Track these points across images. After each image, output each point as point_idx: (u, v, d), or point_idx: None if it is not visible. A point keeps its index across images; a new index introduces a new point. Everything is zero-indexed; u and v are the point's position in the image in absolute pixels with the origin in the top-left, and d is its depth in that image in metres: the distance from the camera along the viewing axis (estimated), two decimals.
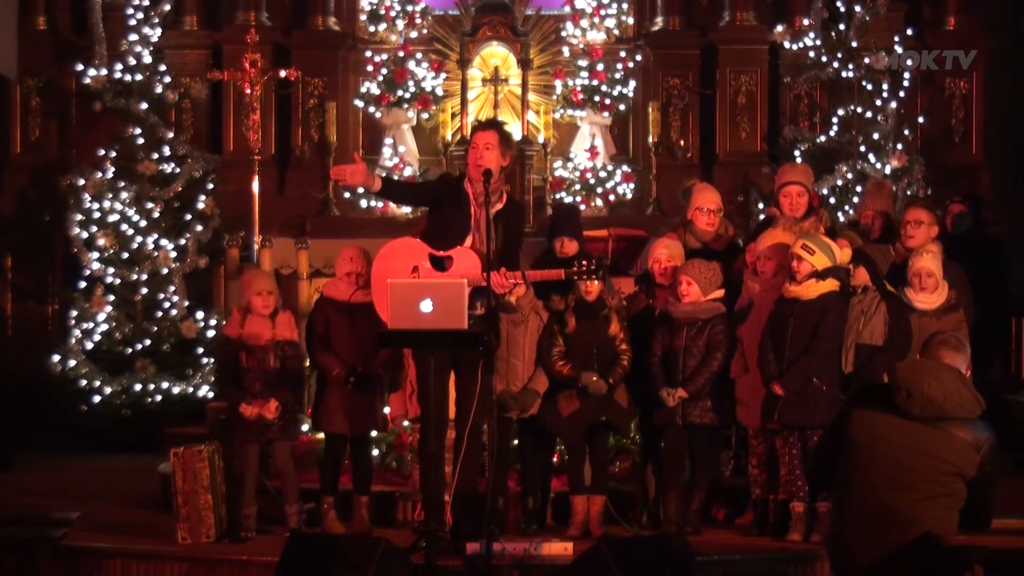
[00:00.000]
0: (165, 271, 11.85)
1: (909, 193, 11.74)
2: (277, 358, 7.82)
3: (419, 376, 7.33)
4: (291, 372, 7.86)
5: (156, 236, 11.89)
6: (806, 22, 12.48)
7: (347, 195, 12.61)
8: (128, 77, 12.05)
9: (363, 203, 12.55)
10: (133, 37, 12.11)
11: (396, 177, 7.45)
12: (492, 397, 7.24)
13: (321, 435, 8.22)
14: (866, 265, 7.74)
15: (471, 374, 7.18)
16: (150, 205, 11.91)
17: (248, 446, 7.75)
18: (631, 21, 13.21)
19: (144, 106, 12.01)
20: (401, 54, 12.70)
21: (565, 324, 7.80)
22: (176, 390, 11.60)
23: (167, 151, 12.02)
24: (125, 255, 11.86)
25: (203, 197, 12.06)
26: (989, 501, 5.48)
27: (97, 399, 11.54)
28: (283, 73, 11.61)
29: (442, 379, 7.33)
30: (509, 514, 7.88)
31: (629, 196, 12.67)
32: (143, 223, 11.89)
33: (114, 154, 12.01)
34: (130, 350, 11.75)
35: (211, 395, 11.33)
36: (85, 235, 11.83)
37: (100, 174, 11.90)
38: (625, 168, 12.70)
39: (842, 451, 5.54)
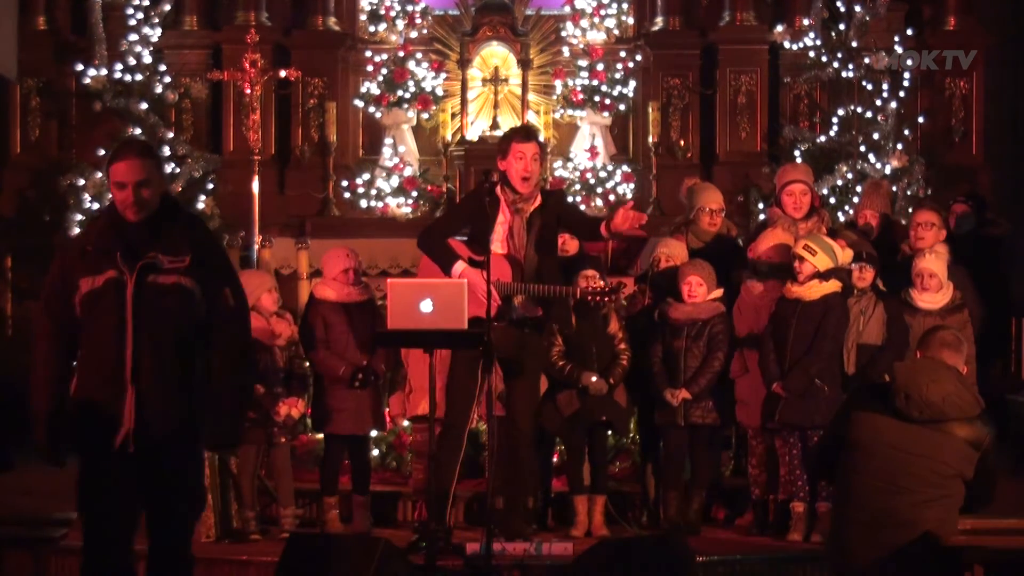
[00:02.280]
0: None
1: (909, 193, 11.74)
2: (285, 359, 7.82)
3: (454, 376, 7.36)
4: (298, 372, 7.87)
5: None
6: (806, 22, 12.47)
7: (347, 195, 12.62)
8: (128, 77, 12.05)
9: (363, 203, 12.56)
10: (133, 37, 12.11)
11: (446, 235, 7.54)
12: (494, 396, 7.25)
13: (320, 435, 8.21)
14: (875, 266, 7.75)
15: (519, 376, 7.34)
16: None
17: (247, 448, 7.72)
18: (631, 21, 13.20)
19: (144, 106, 12.01)
20: (401, 54, 12.69)
21: (565, 323, 7.80)
22: None
23: (167, 151, 12.01)
24: None
25: (203, 197, 12.06)
26: (990, 490, 5.46)
27: None
28: (283, 73, 11.60)
29: (471, 382, 7.30)
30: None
31: (629, 196, 12.66)
32: None
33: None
34: None
35: None
36: None
37: (100, 174, 11.90)
38: (625, 168, 12.70)
39: (842, 452, 5.53)
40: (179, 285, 5.19)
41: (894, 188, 11.28)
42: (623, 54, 12.85)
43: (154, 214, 5.24)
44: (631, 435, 8.45)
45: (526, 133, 7.54)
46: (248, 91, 11.06)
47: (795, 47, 12.48)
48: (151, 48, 12.20)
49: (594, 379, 7.68)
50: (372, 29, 13.18)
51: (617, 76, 12.68)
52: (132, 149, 5.28)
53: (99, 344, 5.21)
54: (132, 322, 5.14)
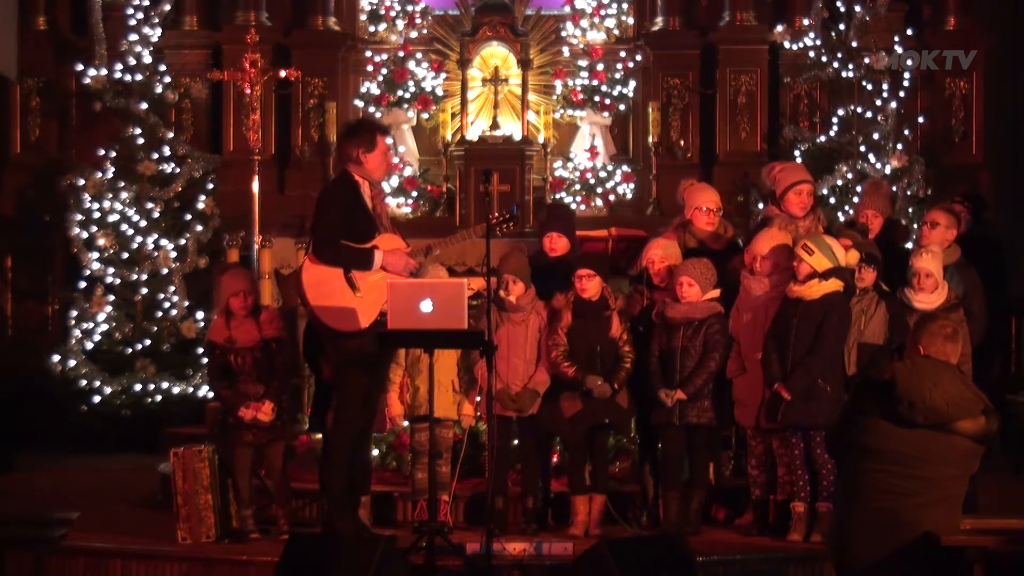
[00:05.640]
0: (165, 271, 11.86)
1: (909, 193, 11.75)
2: (265, 356, 7.79)
3: (358, 388, 7.43)
4: (279, 367, 7.83)
5: (156, 236, 11.90)
6: (806, 22, 12.48)
7: None
8: (128, 77, 12.06)
9: None
10: (133, 37, 12.12)
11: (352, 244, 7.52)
12: (493, 395, 7.25)
13: (319, 435, 8.21)
14: (877, 266, 7.74)
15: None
16: (150, 205, 11.92)
17: (240, 449, 7.71)
18: (631, 21, 13.20)
19: (144, 106, 12.02)
20: (401, 54, 12.69)
21: (568, 324, 7.79)
22: (176, 390, 11.60)
23: (167, 151, 12.03)
24: (125, 255, 11.86)
25: (203, 197, 12.07)
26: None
27: (97, 399, 11.54)
28: (283, 73, 11.60)
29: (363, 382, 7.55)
30: (509, 514, 7.88)
31: (629, 196, 12.66)
32: (143, 223, 11.89)
33: (114, 154, 12.02)
34: (130, 350, 11.75)
35: (211, 395, 11.33)
36: (85, 235, 11.84)
37: (100, 174, 11.90)
38: (625, 168, 12.70)
39: (848, 452, 5.52)
40: None
41: (894, 188, 11.28)
42: (623, 54, 12.86)
43: None
44: (632, 435, 8.45)
45: (383, 128, 8.01)
46: (248, 91, 11.06)
47: (795, 47, 12.49)
48: (151, 48, 12.21)
49: (599, 383, 7.67)
50: (372, 29, 13.19)
51: (617, 76, 12.68)
52: None
53: None
54: None
